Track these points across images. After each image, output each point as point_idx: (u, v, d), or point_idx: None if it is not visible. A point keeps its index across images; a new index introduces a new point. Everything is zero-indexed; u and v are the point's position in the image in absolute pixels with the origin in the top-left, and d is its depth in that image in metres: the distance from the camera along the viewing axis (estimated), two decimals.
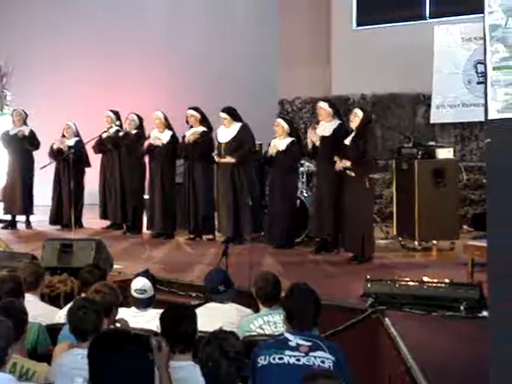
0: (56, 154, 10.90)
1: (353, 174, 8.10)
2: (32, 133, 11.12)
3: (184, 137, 10.07)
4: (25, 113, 11.28)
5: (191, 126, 10.08)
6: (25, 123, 11.22)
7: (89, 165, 11.05)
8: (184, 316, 3.85)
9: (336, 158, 8.33)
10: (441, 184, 8.76)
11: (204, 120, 10.04)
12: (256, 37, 14.07)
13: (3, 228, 10.96)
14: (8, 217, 11.26)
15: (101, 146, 10.89)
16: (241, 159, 9.51)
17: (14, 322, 3.82)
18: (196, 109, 10.08)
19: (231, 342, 3.37)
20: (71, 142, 10.99)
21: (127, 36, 13.50)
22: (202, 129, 9.97)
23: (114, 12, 13.64)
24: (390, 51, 12.63)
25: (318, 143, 8.76)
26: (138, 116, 10.76)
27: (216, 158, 9.69)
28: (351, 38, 13.40)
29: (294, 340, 3.87)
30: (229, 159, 9.51)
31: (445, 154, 9.05)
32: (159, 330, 4.01)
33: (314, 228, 9.06)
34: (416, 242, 8.86)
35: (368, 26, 13.37)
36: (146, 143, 10.19)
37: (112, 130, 10.88)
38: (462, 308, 5.80)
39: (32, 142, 11.05)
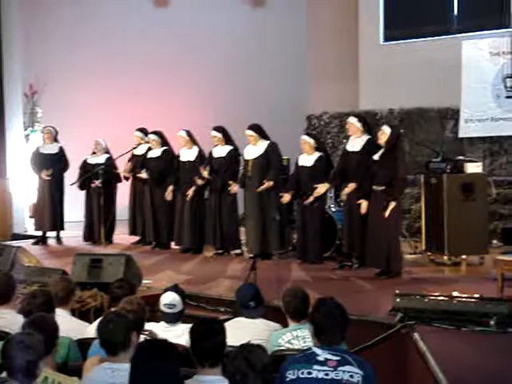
0: (87, 168, 11.04)
1: (385, 189, 8.09)
2: (61, 150, 11.24)
3: (210, 153, 10.12)
4: (55, 130, 11.42)
5: (216, 145, 10.15)
6: (55, 140, 11.36)
7: (120, 180, 11.16)
8: (213, 330, 3.86)
9: (362, 201, 8.40)
10: (470, 198, 8.70)
11: (227, 139, 10.09)
12: (284, 52, 14.15)
13: (34, 244, 11.08)
14: (39, 233, 11.38)
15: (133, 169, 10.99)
16: (276, 181, 9.52)
17: (45, 336, 3.87)
18: (218, 129, 10.11)
19: (258, 354, 3.39)
20: (102, 159, 11.11)
21: (157, 53, 13.62)
22: (228, 148, 10.02)
23: (145, 30, 13.76)
24: (418, 66, 12.62)
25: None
26: (156, 133, 10.81)
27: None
28: (379, 53, 13.41)
29: (322, 354, 3.87)
30: (267, 185, 9.48)
31: (473, 168, 8.99)
32: (189, 345, 4.03)
33: (345, 243, 9.04)
34: (445, 257, 8.80)
35: (396, 40, 13.38)
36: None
37: (144, 147, 10.97)
38: (491, 323, 5.75)
39: (60, 160, 11.15)
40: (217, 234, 9.98)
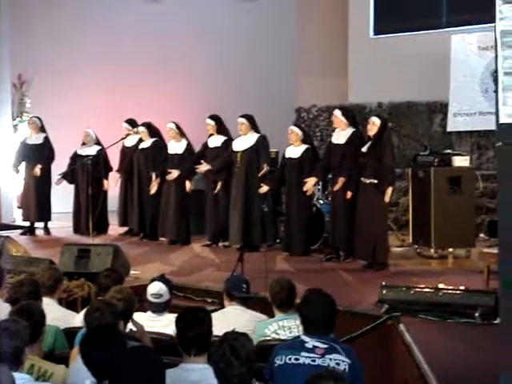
0: (75, 159, 11.05)
1: (375, 181, 8.12)
2: (47, 141, 11.20)
3: (206, 144, 10.12)
4: (40, 120, 11.38)
5: (211, 135, 10.14)
6: (41, 130, 11.31)
7: (111, 169, 11.14)
8: (199, 319, 3.88)
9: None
10: (457, 192, 8.75)
11: (222, 128, 10.09)
12: (273, 45, 14.13)
13: (22, 234, 11.05)
14: (27, 223, 11.36)
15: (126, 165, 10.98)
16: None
17: (31, 323, 3.88)
18: (213, 117, 10.13)
19: (242, 342, 3.41)
20: (93, 150, 11.08)
21: (147, 45, 13.59)
22: (222, 138, 10.02)
23: (136, 23, 13.71)
24: (407, 60, 12.63)
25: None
26: (145, 125, 10.79)
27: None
28: (368, 47, 13.42)
29: (310, 342, 3.93)
30: (266, 169, 9.49)
31: (461, 161, 9.03)
32: (175, 334, 4.05)
33: (331, 236, 9.08)
34: (432, 250, 8.85)
35: (385, 34, 13.39)
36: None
37: (134, 138, 10.95)
38: (476, 315, 5.81)
39: (46, 150, 11.12)
40: (212, 225, 10.01)
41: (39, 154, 11.12)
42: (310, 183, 8.95)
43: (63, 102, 13.09)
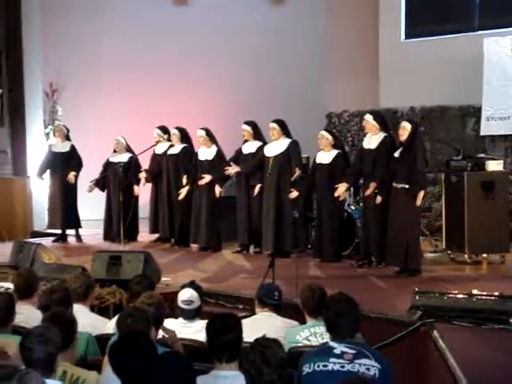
0: (107, 166, 11.12)
1: (406, 186, 8.05)
2: (73, 149, 11.24)
3: (240, 150, 10.13)
4: (66, 128, 11.46)
5: (246, 141, 10.15)
6: (67, 139, 11.38)
7: (138, 182, 11.16)
8: (229, 325, 3.87)
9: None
10: (490, 196, 8.65)
11: (257, 134, 10.09)
12: (304, 50, 14.12)
13: (54, 241, 11.13)
14: (56, 231, 11.42)
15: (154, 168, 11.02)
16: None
17: (63, 329, 3.89)
18: (249, 123, 10.13)
19: (273, 349, 3.39)
20: (125, 157, 11.14)
21: (178, 51, 13.64)
22: (257, 144, 10.02)
23: (166, 28, 13.76)
24: (439, 63, 12.55)
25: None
26: (179, 129, 10.83)
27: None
28: (399, 51, 13.35)
29: (338, 348, 3.89)
30: (298, 173, 9.44)
31: (495, 166, 8.94)
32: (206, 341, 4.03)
33: (362, 242, 9.01)
34: (466, 256, 8.75)
35: (416, 38, 13.32)
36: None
37: (164, 145, 11.00)
38: (511, 321, 5.72)
39: (72, 158, 11.17)
40: (245, 231, 10.02)
41: (66, 163, 11.17)
42: (342, 189, 8.89)
43: (94, 110, 13.16)
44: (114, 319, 5.38)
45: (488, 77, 11.92)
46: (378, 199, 8.45)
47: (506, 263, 8.59)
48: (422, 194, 8.06)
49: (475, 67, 11.83)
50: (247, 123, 10.12)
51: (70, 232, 11.36)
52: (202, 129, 10.44)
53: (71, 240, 11.28)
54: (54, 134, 11.69)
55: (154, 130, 11.16)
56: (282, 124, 9.75)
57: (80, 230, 11.36)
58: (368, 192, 8.59)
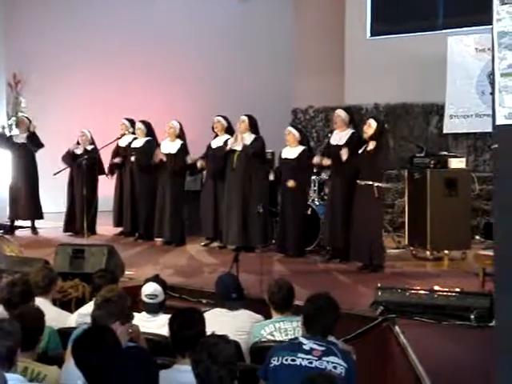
0: (71, 158, 10.97)
1: (370, 183, 8.08)
2: (32, 134, 11.16)
3: (209, 145, 10.11)
4: (28, 119, 11.39)
5: (216, 135, 10.12)
6: (28, 130, 11.28)
7: (103, 172, 11.08)
8: (192, 320, 3.87)
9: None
10: (453, 194, 8.75)
11: (230, 129, 10.10)
12: (271, 46, 14.13)
13: (4, 233, 10.90)
14: (7, 222, 11.27)
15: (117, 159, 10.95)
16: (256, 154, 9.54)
17: (32, 329, 3.87)
18: (223, 117, 10.15)
19: (220, 346, 3.37)
20: (87, 149, 11.05)
21: (145, 44, 13.54)
22: (226, 137, 10.00)
23: (132, 22, 13.66)
24: (404, 61, 12.64)
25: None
26: (144, 123, 10.80)
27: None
28: (365, 48, 13.42)
29: (308, 344, 3.92)
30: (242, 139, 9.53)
31: (457, 163, 9.03)
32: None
33: (327, 237, 9.06)
34: (428, 252, 8.84)
35: (382, 35, 13.40)
36: (158, 158, 10.19)
37: (128, 138, 10.93)
38: (472, 317, 5.79)
39: (32, 142, 11.11)
40: (210, 225, 10.04)
41: (28, 152, 11.12)
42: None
43: (58, 101, 13.01)
44: (76, 313, 5.37)
45: (451, 75, 12.04)
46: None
47: (467, 260, 8.69)
48: (376, 183, 8.08)
49: (439, 65, 11.94)
50: (221, 116, 10.13)
51: (24, 224, 11.19)
52: (175, 121, 10.39)
53: (27, 233, 11.07)
54: (17, 126, 11.54)
55: (120, 121, 11.11)
56: (251, 119, 9.75)
57: (36, 222, 11.22)
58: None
